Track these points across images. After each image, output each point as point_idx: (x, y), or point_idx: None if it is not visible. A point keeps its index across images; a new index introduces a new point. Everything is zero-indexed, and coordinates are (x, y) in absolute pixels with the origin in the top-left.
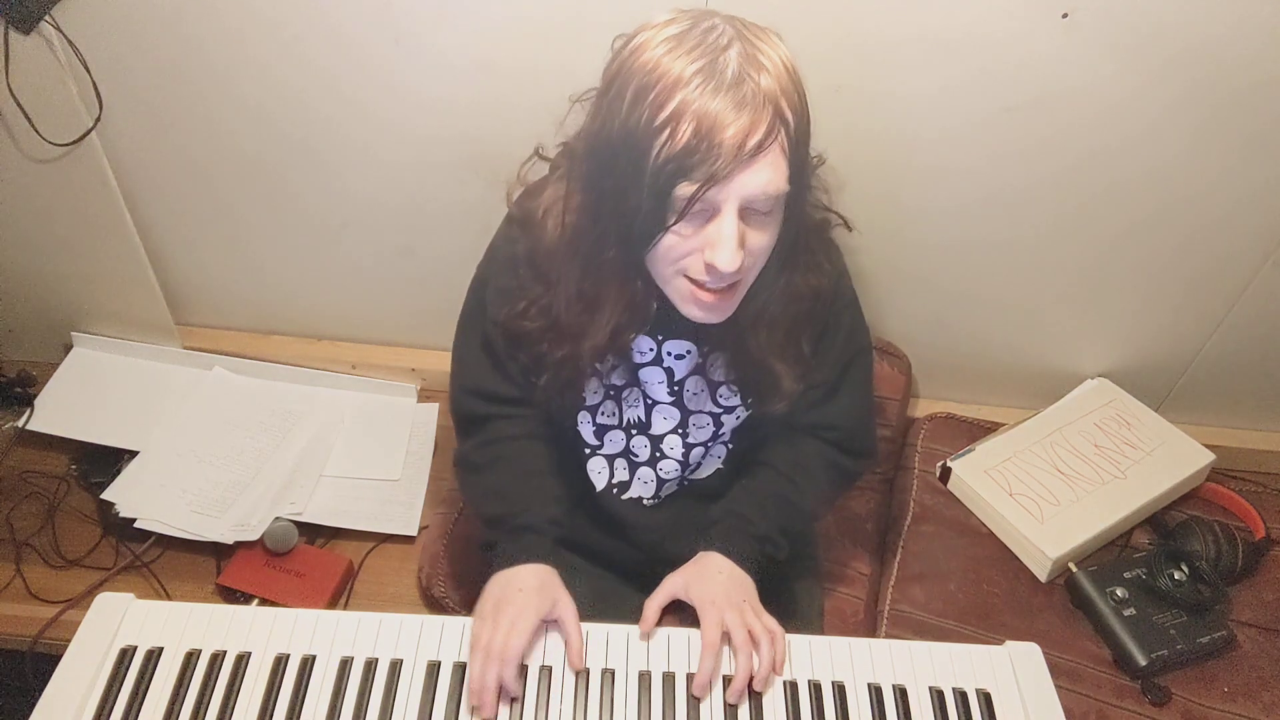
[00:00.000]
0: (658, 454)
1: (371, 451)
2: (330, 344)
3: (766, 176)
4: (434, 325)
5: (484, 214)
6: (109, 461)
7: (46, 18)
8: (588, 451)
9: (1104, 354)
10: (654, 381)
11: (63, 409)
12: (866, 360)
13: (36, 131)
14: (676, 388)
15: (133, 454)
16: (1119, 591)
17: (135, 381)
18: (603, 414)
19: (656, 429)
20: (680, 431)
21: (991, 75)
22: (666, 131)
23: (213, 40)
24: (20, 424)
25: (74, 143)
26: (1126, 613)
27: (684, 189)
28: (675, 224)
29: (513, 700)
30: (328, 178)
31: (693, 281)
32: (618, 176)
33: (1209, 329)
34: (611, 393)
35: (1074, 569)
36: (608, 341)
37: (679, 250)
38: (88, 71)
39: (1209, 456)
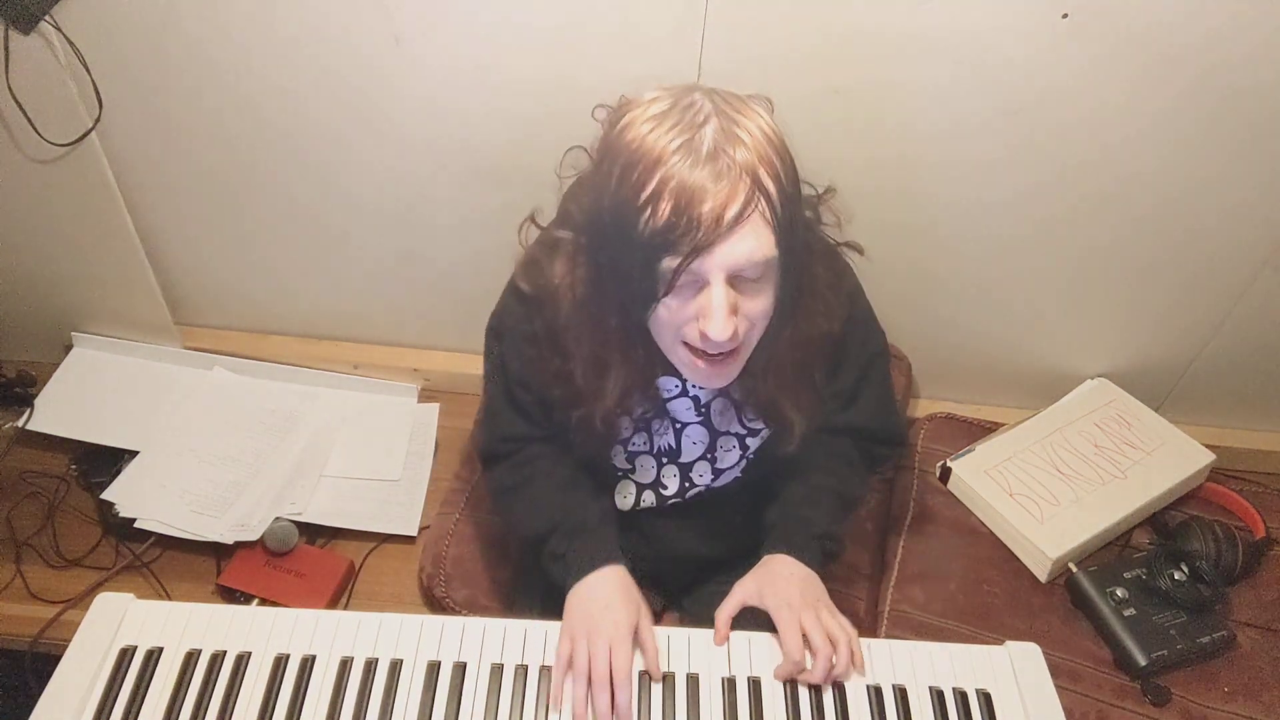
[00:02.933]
0: (686, 484)
1: (371, 451)
2: (330, 344)
3: (750, 245)
4: (435, 325)
5: (484, 214)
6: (109, 461)
7: (46, 18)
8: (619, 474)
9: (1104, 354)
10: (682, 409)
11: (63, 409)
12: (883, 362)
13: (36, 131)
14: (705, 410)
15: (133, 454)
16: (1119, 591)
17: (135, 381)
18: (634, 444)
19: (686, 456)
20: (709, 457)
21: (991, 77)
22: (649, 210)
23: (213, 40)
24: (20, 424)
25: (74, 143)
26: (1126, 613)
27: (669, 262)
28: (665, 295)
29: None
30: (328, 177)
31: (692, 350)
32: (611, 249)
33: (1209, 329)
34: (641, 425)
35: (1074, 569)
36: (617, 403)
37: (675, 320)
38: (88, 71)
39: (1209, 456)
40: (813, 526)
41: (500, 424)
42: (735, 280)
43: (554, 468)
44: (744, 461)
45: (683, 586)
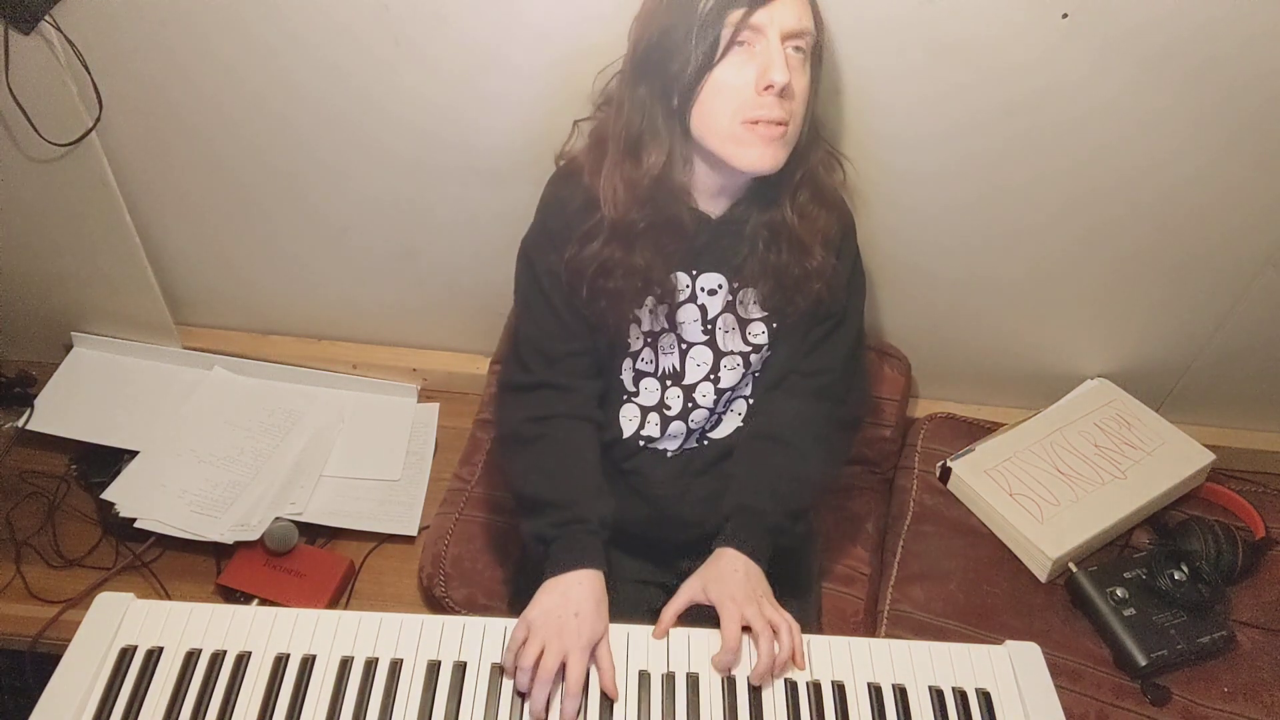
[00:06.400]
0: (690, 404)
1: (371, 451)
2: (330, 344)
3: (798, 9)
4: (435, 325)
5: (484, 214)
6: (109, 461)
7: (46, 18)
8: (625, 398)
9: (1104, 354)
10: (689, 320)
11: (63, 409)
12: (858, 313)
13: (36, 131)
14: (710, 326)
15: (133, 454)
16: (1119, 591)
17: (135, 381)
18: (642, 360)
19: (690, 377)
20: (712, 378)
21: (991, 76)
22: None
23: (213, 40)
24: (20, 424)
25: (74, 143)
26: (1126, 613)
27: (733, 16)
28: (721, 58)
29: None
30: (329, 177)
31: (748, 126)
32: (666, 44)
33: (1209, 329)
34: (650, 339)
35: (1074, 569)
36: (640, 273)
37: (732, 86)
38: (88, 71)
39: (1209, 456)
40: (764, 519)
41: (528, 322)
42: (784, 45)
43: (569, 435)
44: (743, 401)
45: (678, 566)
